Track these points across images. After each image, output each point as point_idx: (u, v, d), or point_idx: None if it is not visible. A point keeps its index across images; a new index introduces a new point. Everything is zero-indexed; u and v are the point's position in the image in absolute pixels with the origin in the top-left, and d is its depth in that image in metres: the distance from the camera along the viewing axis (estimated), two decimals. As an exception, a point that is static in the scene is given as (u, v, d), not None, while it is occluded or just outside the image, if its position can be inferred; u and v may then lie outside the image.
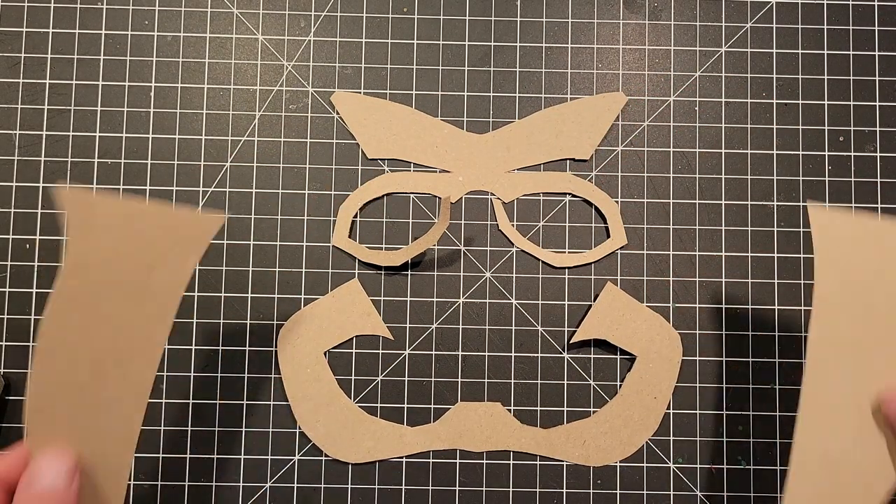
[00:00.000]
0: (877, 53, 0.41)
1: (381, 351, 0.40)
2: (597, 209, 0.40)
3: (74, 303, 0.29)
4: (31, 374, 0.28)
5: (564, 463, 0.39)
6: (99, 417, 0.29)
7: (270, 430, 0.39)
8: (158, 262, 0.29)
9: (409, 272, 0.40)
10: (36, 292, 0.40)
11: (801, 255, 0.40)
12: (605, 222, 0.40)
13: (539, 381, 0.40)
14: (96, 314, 0.29)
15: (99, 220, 0.29)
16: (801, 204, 0.41)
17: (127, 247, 0.29)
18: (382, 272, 0.40)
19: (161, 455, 0.39)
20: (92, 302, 0.29)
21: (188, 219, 0.30)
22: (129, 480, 0.39)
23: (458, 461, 0.39)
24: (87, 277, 0.29)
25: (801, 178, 0.41)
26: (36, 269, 0.40)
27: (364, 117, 0.40)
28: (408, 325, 0.40)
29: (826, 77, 0.41)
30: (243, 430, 0.39)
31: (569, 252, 0.40)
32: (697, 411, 0.39)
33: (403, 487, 0.39)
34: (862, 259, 0.31)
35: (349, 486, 0.39)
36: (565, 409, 0.40)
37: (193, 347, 0.40)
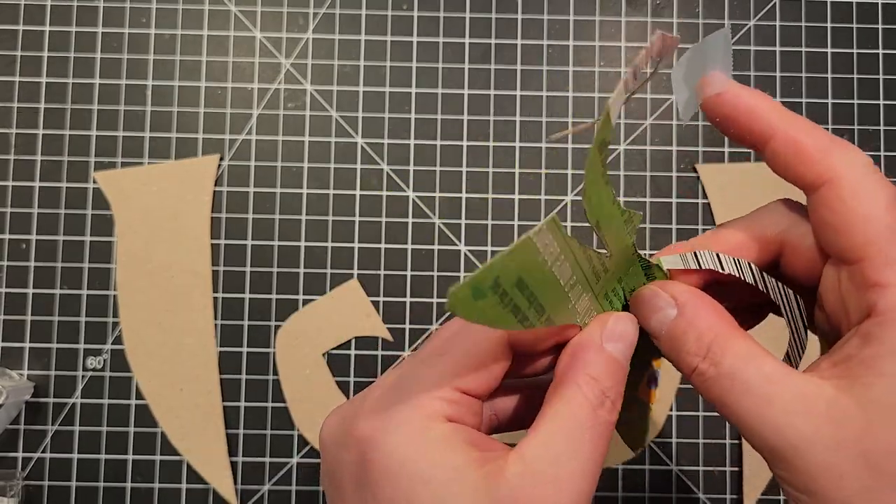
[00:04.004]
0: (881, 52, 0.41)
1: (380, 352, 0.39)
2: None
3: (134, 256, 0.39)
4: (121, 319, 0.39)
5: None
6: (182, 345, 0.38)
7: (268, 432, 0.39)
8: (181, 207, 0.39)
9: (409, 272, 0.40)
10: (32, 292, 0.39)
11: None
12: None
13: (540, 383, 0.39)
14: (151, 262, 0.39)
15: (128, 188, 0.39)
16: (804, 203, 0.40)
17: (154, 202, 0.39)
18: (382, 272, 0.40)
19: (158, 457, 0.39)
20: (145, 252, 0.39)
21: (191, 165, 0.40)
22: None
23: (458, 463, 0.39)
24: (135, 234, 0.39)
25: (804, 178, 0.40)
26: (32, 269, 0.39)
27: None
28: (407, 326, 0.40)
29: (830, 75, 0.41)
30: (241, 432, 0.39)
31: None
32: (700, 413, 0.39)
33: (403, 490, 0.39)
34: (746, 196, 0.39)
35: (348, 488, 0.39)
36: (566, 410, 0.39)
37: (191, 348, 0.39)
